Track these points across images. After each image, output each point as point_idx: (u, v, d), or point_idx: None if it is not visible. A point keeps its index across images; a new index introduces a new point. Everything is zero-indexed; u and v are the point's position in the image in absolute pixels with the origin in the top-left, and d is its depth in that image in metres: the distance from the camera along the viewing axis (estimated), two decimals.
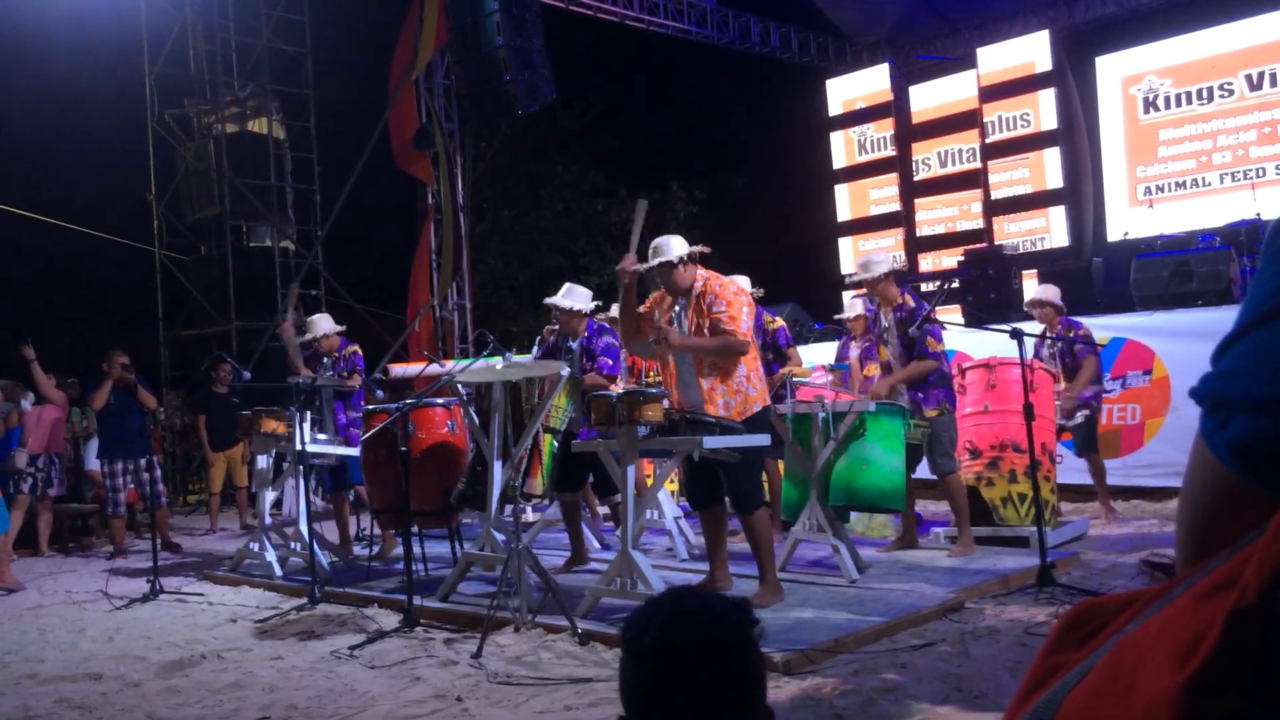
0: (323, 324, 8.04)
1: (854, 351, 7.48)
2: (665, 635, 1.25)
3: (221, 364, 10.73)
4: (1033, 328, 7.34)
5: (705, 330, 5.22)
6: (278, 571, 7.24)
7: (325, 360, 7.89)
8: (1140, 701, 0.56)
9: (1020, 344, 5.72)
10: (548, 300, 6.73)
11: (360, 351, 8.07)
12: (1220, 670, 0.54)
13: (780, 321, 7.36)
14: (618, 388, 6.34)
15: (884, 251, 7.00)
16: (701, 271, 5.37)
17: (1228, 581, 0.57)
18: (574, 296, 6.64)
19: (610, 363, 6.54)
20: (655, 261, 5.32)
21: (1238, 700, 0.53)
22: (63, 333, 17.86)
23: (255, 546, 7.52)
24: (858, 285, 7.28)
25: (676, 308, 5.39)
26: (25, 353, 8.46)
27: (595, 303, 6.80)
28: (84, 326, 17.56)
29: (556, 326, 6.82)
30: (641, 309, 5.53)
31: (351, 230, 16.17)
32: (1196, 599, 0.59)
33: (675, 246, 5.32)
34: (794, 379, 6.60)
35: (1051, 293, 7.54)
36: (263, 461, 7.80)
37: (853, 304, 7.77)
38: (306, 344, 8.00)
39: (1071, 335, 7.38)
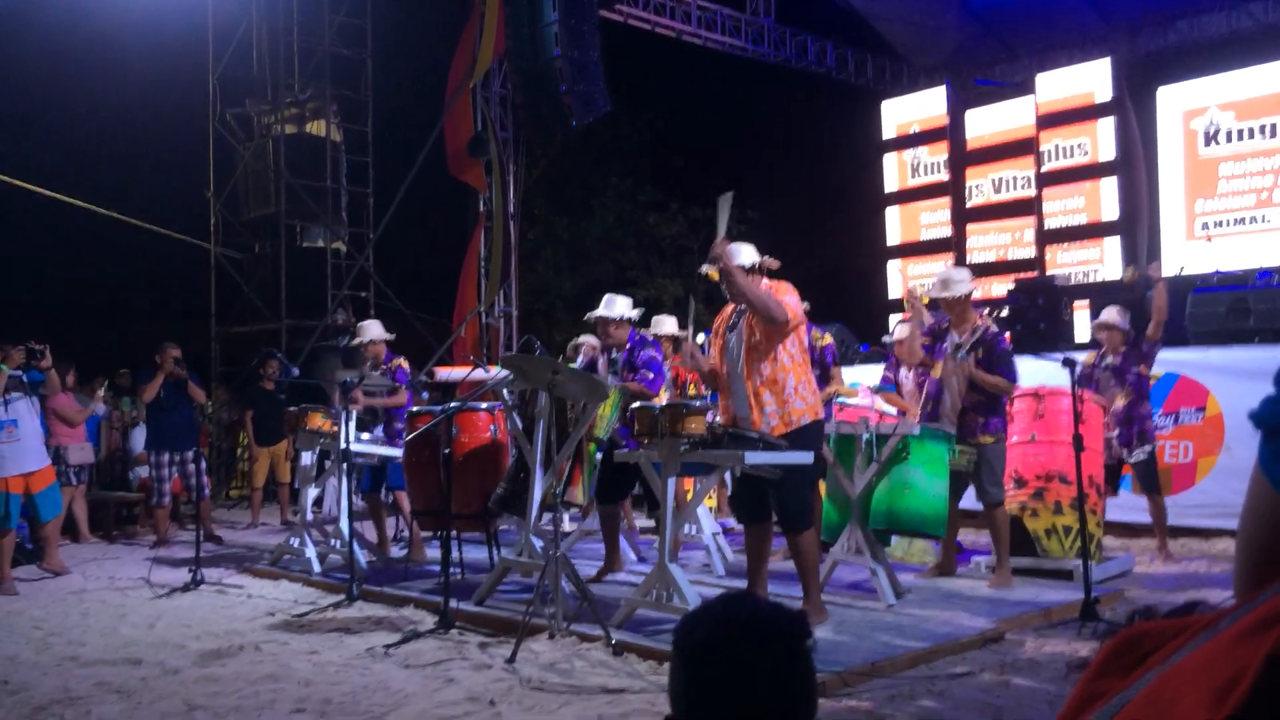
0: (372, 329, 8.12)
1: (906, 376, 7.36)
2: (713, 639, 1.25)
3: (270, 360, 10.87)
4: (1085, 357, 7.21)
5: (759, 335, 5.20)
6: (317, 568, 7.30)
7: (369, 367, 7.97)
8: None
9: (1071, 374, 5.64)
10: (590, 315, 6.74)
11: (406, 366, 8.13)
12: (1256, 714, 0.52)
13: (829, 339, 7.28)
14: (661, 400, 6.34)
15: (963, 269, 6.86)
16: (766, 282, 5.35)
17: (1271, 619, 0.56)
18: (616, 306, 6.65)
19: (651, 376, 6.53)
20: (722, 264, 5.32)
21: None
22: (118, 325, 18.22)
23: (295, 542, 7.59)
24: (898, 308, 7.16)
25: (735, 314, 5.39)
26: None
27: (637, 309, 6.79)
28: (139, 319, 17.88)
29: (587, 341, 6.82)
30: (712, 351, 5.53)
31: (403, 234, 16.32)
32: (1238, 635, 0.57)
33: (744, 254, 5.31)
34: (839, 399, 6.55)
35: (1116, 314, 7.36)
36: (306, 458, 7.88)
37: (900, 328, 7.69)
38: (355, 348, 8.09)
39: (1142, 349, 7.21)
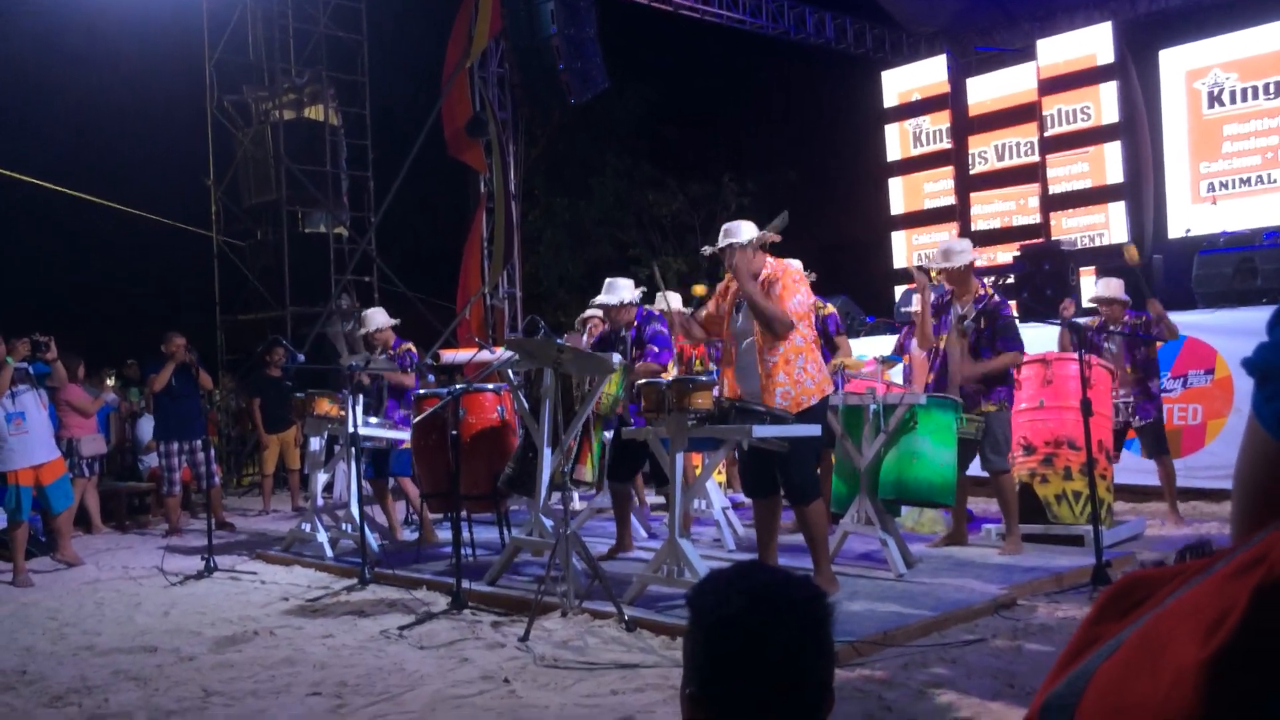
0: (377, 318, 8.12)
1: (914, 346, 7.34)
2: (727, 611, 1.24)
3: (276, 347, 10.86)
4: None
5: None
6: (329, 552, 7.33)
7: (381, 354, 7.98)
8: (1167, 674, 0.57)
9: (1079, 339, 5.62)
10: (595, 301, 6.80)
11: (414, 349, 8.14)
12: (1244, 646, 0.54)
13: (831, 308, 7.28)
14: (669, 374, 6.35)
15: (964, 239, 6.84)
16: (770, 260, 5.34)
17: (1260, 557, 0.57)
18: (617, 291, 6.68)
19: (657, 350, 6.56)
20: (725, 243, 5.31)
21: (1260, 676, 0.53)
22: (122, 316, 18.24)
23: (307, 527, 7.62)
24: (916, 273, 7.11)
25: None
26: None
27: (640, 289, 6.82)
28: (143, 309, 17.89)
29: (595, 315, 6.87)
30: (708, 308, 5.53)
31: (404, 217, 16.29)
32: (1229, 574, 0.59)
33: (745, 231, 5.31)
34: (846, 370, 6.53)
35: (1116, 288, 7.37)
36: (315, 444, 7.90)
37: (916, 299, 7.64)
38: (361, 336, 8.10)
39: (1141, 320, 7.22)
